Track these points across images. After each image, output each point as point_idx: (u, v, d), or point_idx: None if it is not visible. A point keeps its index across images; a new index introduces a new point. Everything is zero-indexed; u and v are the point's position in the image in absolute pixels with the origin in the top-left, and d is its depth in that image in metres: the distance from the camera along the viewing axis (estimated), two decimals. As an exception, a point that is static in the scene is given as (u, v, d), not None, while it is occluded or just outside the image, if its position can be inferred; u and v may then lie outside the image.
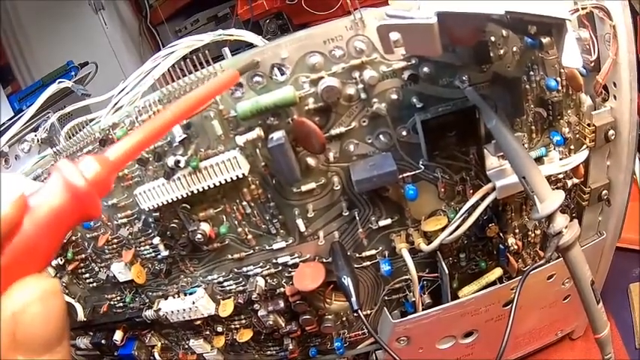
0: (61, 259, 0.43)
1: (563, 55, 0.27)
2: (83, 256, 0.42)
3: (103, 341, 0.44)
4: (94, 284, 0.44)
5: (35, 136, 0.50)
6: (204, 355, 0.44)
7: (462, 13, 0.26)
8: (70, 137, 0.40)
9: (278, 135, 0.31)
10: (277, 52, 0.31)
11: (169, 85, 0.33)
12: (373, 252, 0.37)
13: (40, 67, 0.82)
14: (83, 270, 0.43)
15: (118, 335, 0.44)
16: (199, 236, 0.35)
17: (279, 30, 0.82)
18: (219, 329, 0.42)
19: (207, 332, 0.43)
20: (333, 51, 0.31)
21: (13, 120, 0.57)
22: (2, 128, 0.56)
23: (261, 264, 0.38)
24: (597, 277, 0.43)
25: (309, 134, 0.31)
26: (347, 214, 0.35)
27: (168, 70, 0.36)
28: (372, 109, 0.32)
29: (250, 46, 0.42)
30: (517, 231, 0.40)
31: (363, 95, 0.32)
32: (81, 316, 0.45)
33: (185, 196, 0.34)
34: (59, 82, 0.48)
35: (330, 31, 0.31)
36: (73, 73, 0.64)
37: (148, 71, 0.40)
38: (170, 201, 0.34)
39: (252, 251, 0.38)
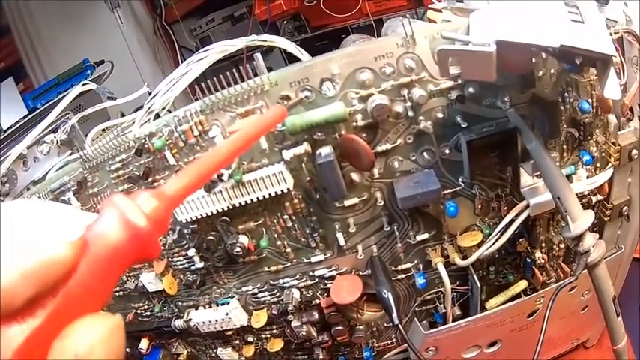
0: (86, 267, 0.41)
1: (606, 87, 0.28)
2: (110, 264, 0.41)
3: (127, 349, 0.43)
4: (121, 293, 0.42)
5: (54, 137, 0.48)
6: (231, 363, 0.44)
7: (518, 43, 0.26)
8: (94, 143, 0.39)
9: (326, 151, 0.31)
10: (328, 67, 0.31)
11: (213, 95, 0.32)
12: (409, 265, 0.38)
13: (54, 64, 0.79)
14: (109, 278, 0.42)
15: (143, 344, 0.43)
16: (238, 249, 0.35)
17: (297, 31, 0.80)
18: (250, 339, 0.42)
19: (237, 341, 0.43)
20: (383, 68, 0.31)
21: (27, 118, 0.55)
22: (17, 126, 0.54)
23: (297, 276, 0.38)
24: (614, 288, 0.45)
25: (358, 152, 0.31)
26: (387, 228, 0.36)
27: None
28: (418, 126, 0.32)
29: (270, 50, 0.41)
30: (543, 245, 0.40)
31: (410, 113, 0.32)
32: (105, 324, 0.44)
33: (226, 209, 0.33)
34: (84, 84, 0.46)
35: (382, 48, 0.31)
36: (89, 72, 0.62)
37: (180, 77, 0.39)
38: (210, 214, 0.34)
39: (289, 264, 0.37)
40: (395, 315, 0.33)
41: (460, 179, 0.35)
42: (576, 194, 0.39)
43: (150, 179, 0.35)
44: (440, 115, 0.32)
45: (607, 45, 0.27)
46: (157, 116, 0.37)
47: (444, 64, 0.27)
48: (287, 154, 0.32)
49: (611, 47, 0.28)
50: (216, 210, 0.34)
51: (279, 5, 0.73)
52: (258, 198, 0.33)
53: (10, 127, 0.59)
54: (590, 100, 0.36)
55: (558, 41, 0.26)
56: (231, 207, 0.33)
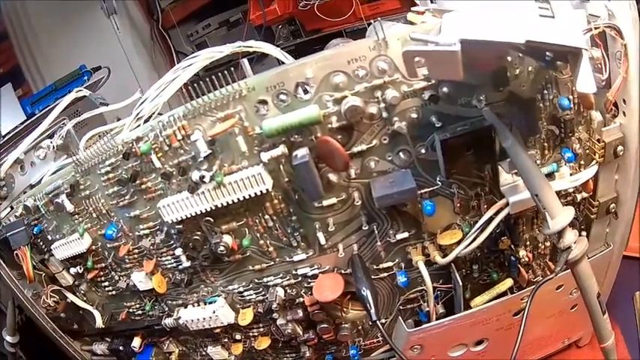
0: (81, 268, 0.44)
1: (578, 81, 0.29)
2: (103, 265, 0.44)
3: (121, 347, 0.46)
4: (113, 292, 0.45)
5: (51, 142, 0.51)
6: (221, 361, 0.46)
7: (483, 41, 0.27)
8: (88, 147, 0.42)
9: (302, 152, 0.33)
10: (302, 71, 0.33)
11: (194, 100, 0.34)
12: (390, 264, 0.39)
13: (51, 70, 0.83)
14: (103, 278, 0.45)
15: (136, 342, 0.45)
16: (222, 248, 0.37)
17: (292, 35, 0.83)
18: (238, 337, 0.44)
19: (226, 340, 0.45)
20: (356, 71, 0.33)
21: (26, 124, 0.58)
22: (16, 131, 0.57)
23: (281, 275, 0.40)
24: (604, 286, 0.46)
25: (332, 153, 0.33)
26: (366, 227, 0.37)
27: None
28: (392, 127, 0.34)
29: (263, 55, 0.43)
30: (528, 243, 0.41)
31: (384, 114, 0.33)
32: (99, 322, 0.46)
33: (209, 209, 0.35)
34: (77, 91, 0.49)
35: (355, 51, 0.32)
36: (85, 78, 0.65)
37: (168, 83, 0.41)
38: (194, 214, 0.36)
39: (272, 263, 0.39)
40: (373, 311, 0.34)
41: (438, 178, 0.36)
42: (560, 192, 0.40)
43: (137, 182, 0.38)
44: (414, 116, 0.34)
45: (577, 38, 0.28)
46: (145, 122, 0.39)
47: (411, 65, 0.29)
48: (265, 156, 0.34)
49: (581, 40, 0.28)
50: (200, 210, 0.36)
51: (273, 10, 0.75)
52: (239, 199, 0.35)
53: (8, 133, 0.62)
54: (570, 97, 0.37)
55: (524, 37, 0.27)
56: (214, 207, 0.35)
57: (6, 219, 0.45)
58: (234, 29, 0.96)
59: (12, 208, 0.46)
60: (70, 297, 0.47)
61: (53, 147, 0.51)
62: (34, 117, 0.59)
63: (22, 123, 0.60)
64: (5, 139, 0.59)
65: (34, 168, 0.51)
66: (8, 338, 0.51)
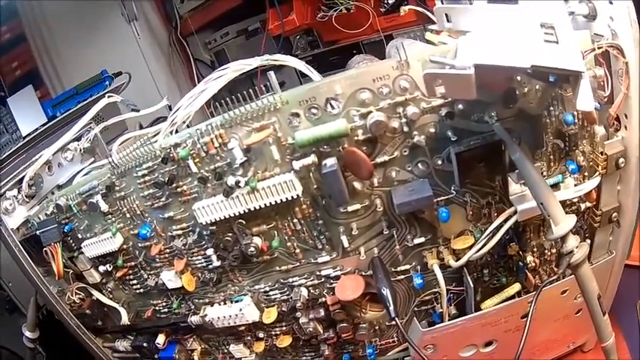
0: (110, 266, 0.49)
1: (578, 100, 0.34)
2: (133, 263, 0.49)
3: (145, 344, 0.51)
4: (141, 290, 0.50)
5: (78, 145, 0.57)
6: (242, 359, 0.51)
7: (494, 66, 0.33)
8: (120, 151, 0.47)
9: (331, 162, 0.38)
10: (332, 88, 0.38)
11: (232, 111, 0.40)
12: (407, 267, 0.44)
13: (70, 73, 0.88)
14: (131, 277, 0.50)
15: (160, 339, 0.50)
16: (252, 249, 0.42)
17: (309, 46, 0.89)
18: (261, 335, 0.49)
19: (249, 338, 0.50)
20: (381, 88, 0.38)
21: (47, 126, 0.64)
22: (37, 133, 0.62)
23: (305, 275, 0.45)
24: (607, 292, 0.51)
25: (358, 163, 0.38)
26: (386, 232, 0.43)
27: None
28: (412, 140, 0.40)
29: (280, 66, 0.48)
30: (535, 249, 0.47)
31: (405, 128, 0.39)
32: (125, 320, 0.51)
33: (242, 212, 0.41)
34: (109, 97, 0.54)
35: (380, 71, 0.38)
36: (107, 83, 0.71)
37: (199, 93, 0.47)
38: (228, 216, 0.41)
39: (298, 264, 0.45)
40: (392, 309, 0.39)
41: (452, 187, 0.42)
42: (565, 201, 0.45)
43: (174, 185, 0.43)
44: (432, 130, 0.39)
45: (577, 62, 0.34)
46: (175, 130, 0.45)
47: (431, 86, 0.35)
48: (297, 165, 0.39)
49: (580, 64, 0.34)
50: (234, 213, 0.41)
51: (292, 21, 0.81)
52: (270, 203, 0.40)
53: (29, 134, 0.68)
54: (575, 113, 0.42)
55: (530, 62, 0.33)
56: (246, 211, 0.41)
57: (35, 217, 0.51)
58: (252, 38, 1.01)
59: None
60: (97, 295, 0.51)
61: (80, 149, 0.57)
62: (56, 120, 0.65)
63: (43, 125, 0.65)
64: (26, 140, 0.64)
65: (62, 169, 0.56)
66: (28, 334, 0.55)
